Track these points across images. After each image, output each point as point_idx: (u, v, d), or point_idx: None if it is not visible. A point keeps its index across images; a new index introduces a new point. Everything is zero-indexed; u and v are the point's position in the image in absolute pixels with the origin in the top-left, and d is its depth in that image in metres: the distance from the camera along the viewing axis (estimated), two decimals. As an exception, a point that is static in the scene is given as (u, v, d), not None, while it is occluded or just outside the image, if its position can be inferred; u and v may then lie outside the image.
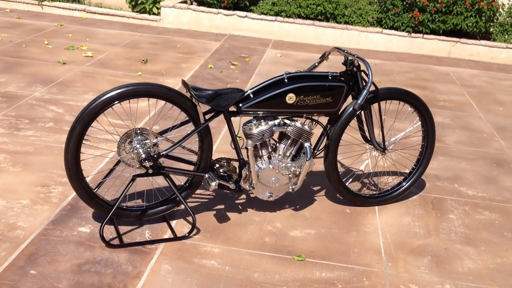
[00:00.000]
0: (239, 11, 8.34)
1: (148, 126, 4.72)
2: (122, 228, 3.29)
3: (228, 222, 3.47)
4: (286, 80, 3.33)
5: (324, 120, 3.64)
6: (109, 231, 3.24)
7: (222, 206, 3.64)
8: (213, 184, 3.28)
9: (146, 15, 8.52)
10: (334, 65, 6.46)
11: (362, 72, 3.50)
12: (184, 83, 3.18)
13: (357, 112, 3.53)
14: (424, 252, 3.35)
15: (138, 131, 3.17)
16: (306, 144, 3.43)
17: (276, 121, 3.38)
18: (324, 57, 3.67)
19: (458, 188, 4.17)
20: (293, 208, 3.70)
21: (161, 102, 4.96)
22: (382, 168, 4.25)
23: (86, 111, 3.03)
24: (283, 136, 3.47)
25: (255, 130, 3.30)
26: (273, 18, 8.26)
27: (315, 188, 3.98)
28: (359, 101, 3.29)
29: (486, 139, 5.22)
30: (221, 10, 8.33)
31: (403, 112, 4.29)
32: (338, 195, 3.81)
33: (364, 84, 3.51)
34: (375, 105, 3.65)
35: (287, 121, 3.41)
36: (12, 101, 5.00)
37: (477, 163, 4.67)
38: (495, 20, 8.30)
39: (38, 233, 3.17)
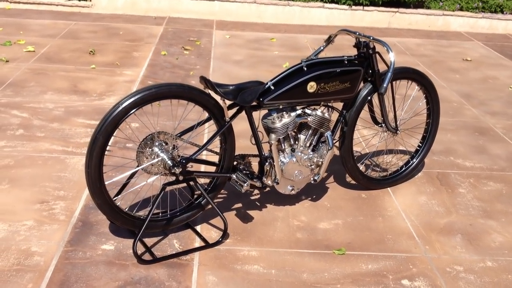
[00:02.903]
0: (176, -8, 8.01)
1: (154, 128, 4.41)
2: (147, 241, 3.05)
3: (253, 221, 3.31)
4: (305, 68, 3.18)
5: (338, 106, 3.53)
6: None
7: (240, 205, 3.46)
8: (245, 185, 3.10)
9: (76, 1, 8.00)
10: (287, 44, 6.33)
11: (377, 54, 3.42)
12: (205, 79, 2.95)
13: (370, 96, 3.46)
14: (453, 230, 3.35)
15: (159, 135, 2.93)
16: (327, 133, 3.31)
17: (298, 112, 3.23)
18: (330, 40, 3.55)
19: (455, 161, 4.22)
20: (310, 198, 3.59)
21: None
22: (393, 147, 4.21)
23: (108, 119, 2.74)
24: (302, 126, 3.33)
25: (278, 124, 3.14)
26: (213, -3, 8.00)
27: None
28: (385, 85, 3.21)
29: (458, 108, 5.32)
30: (157, -8, 7.97)
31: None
32: (352, 180, 3.73)
33: (377, 66, 3.44)
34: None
35: (308, 111, 3.27)
36: (-33, 109, 4.52)
37: (460, 133, 4.75)
38: (429, -12, 8.49)
39: (59, 257, 2.86)
